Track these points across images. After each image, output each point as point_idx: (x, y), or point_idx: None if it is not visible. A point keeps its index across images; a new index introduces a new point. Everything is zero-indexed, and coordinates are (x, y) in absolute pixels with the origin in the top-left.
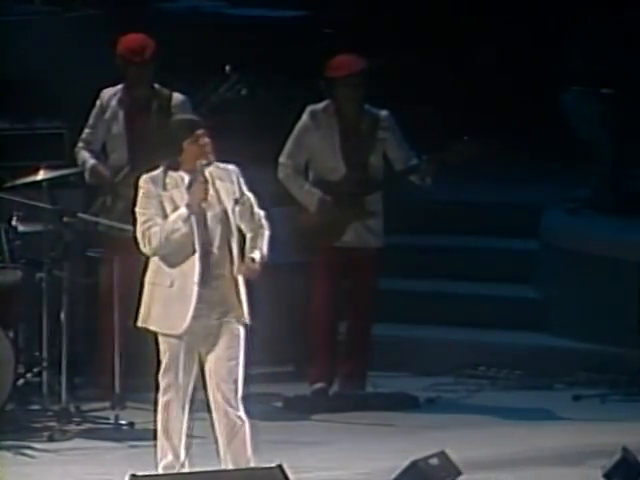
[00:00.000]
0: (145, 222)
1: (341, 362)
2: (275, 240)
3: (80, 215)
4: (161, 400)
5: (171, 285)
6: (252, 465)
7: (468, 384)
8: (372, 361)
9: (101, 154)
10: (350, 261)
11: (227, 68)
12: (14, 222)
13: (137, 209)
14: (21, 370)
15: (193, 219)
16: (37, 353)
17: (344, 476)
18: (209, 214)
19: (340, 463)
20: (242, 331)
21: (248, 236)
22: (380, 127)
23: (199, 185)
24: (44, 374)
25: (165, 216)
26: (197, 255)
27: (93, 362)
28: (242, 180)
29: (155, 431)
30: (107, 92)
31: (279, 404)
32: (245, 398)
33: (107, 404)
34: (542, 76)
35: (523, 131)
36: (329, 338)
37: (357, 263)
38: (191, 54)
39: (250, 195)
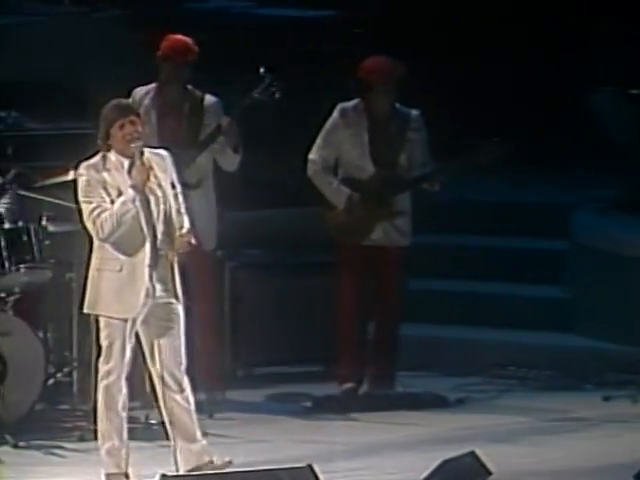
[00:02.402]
0: (94, 209)
1: (370, 362)
2: (304, 239)
3: None
4: (102, 384)
5: (120, 270)
6: (203, 444)
7: (497, 384)
8: (401, 361)
9: None
10: (377, 260)
11: (261, 70)
12: (44, 222)
13: (81, 197)
14: (51, 370)
15: (138, 202)
16: (67, 353)
17: (373, 476)
18: (151, 197)
19: (369, 463)
20: (181, 310)
21: (174, 216)
22: (410, 127)
23: (140, 167)
24: (74, 374)
25: (111, 201)
26: (146, 237)
27: None
28: (173, 166)
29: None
30: (139, 91)
31: (308, 404)
32: (274, 397)
33: (137, 403)
34: (572, 76)
35: (553, 131)
36: (358, 338)
37: (384, 262)
38: (219, 55)
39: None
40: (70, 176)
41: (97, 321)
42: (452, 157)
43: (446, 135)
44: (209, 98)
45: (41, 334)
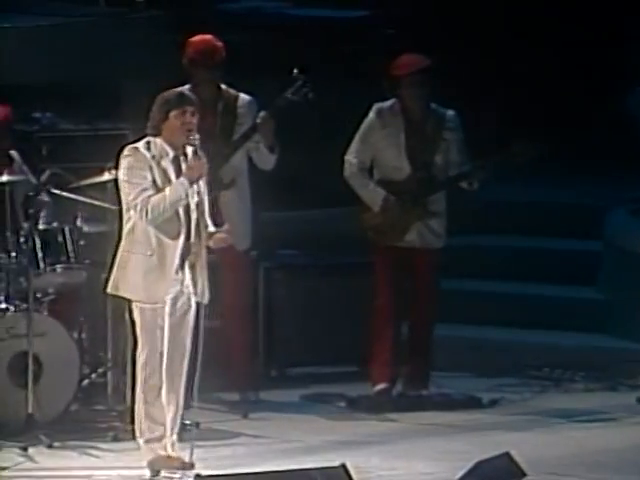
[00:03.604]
0: (143, 190)
1: (404, 362)
2: (338, 240)
3: None
4: (140, 375)
5: (152, 254)
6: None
7: (532, 385)
8: (435, 361)
9: None
10: (412, 261)
11: (294, 71)
12: (78, 223)
13: (127, 178)
14: (86, 370)
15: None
16: (102, 353)
17: (407, 476)
18: (189, 191)
19: (403, 463)
20: (194, 307)
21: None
22: (446, 127)
23: (198, 160)
24: (109, 374)
25: (155, 185)
26: (183, 226)
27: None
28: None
29: (220, 431)
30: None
31: (342, 404)
32: (308, 398)
33: None
34: (605, 76)
35: (588, 132)
36: (392, 338)
37: (419, 263)
38: (252, 55)
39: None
40: (105, 177)
41: (131, 314)
42: (489, 156)
43: (482, 135)
44: (243, 97)
45: (76, 335)
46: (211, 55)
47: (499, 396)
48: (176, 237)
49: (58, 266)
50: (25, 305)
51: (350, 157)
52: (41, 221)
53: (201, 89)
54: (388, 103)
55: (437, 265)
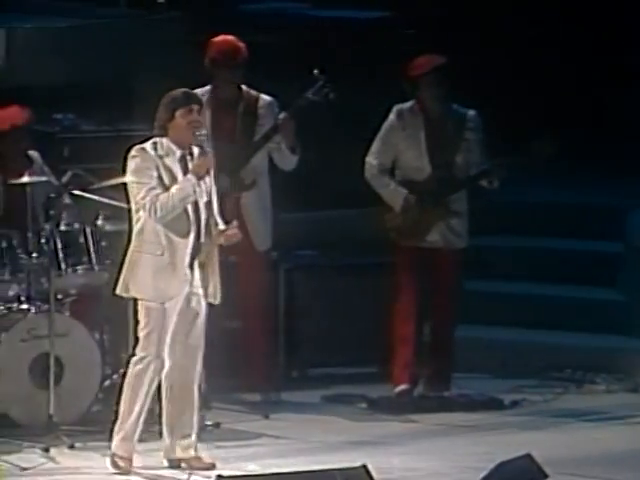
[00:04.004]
0: (151, 189)
1: (425, 363)
2: (361, 240)
3: None
4: (134, 368)
5: (162, 254)
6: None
7: (553, 386)
8: (457, 362)
9: None
10: (434, 262)
11: (315, 71)
12: (100, 223)
13: (135, 179)
14: (107, 371)
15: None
16: (123, 354)
17: (428, 477)
18: (197, 189)
19: (424, 464)
20: (205, 308)
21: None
22: (467, 127)
23: (204, 157)
24: None
25: (163, 184)
26: (192, 225)
27: None
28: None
29: (241, 431)
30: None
31: (363, 405)
32: (329, 398)
33: None
34: (628, 76)
35: (609, 132)
36: (412, 339)
37: (441, 264)
38: (275, 55)
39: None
40: (126, 178)
41: (136, 313)
42: (509, 155)
43: (500, 134)
44: (264, 98)
45: (97, 335)
46: (233, 55)
47: (520, 397)
48: (186, 236)
49: (79, 267)
50: (46, 306)
51: (371, 158)
52: (62, 222)
53: (222, 90)
54: (408, 104)
55: (459, 265)
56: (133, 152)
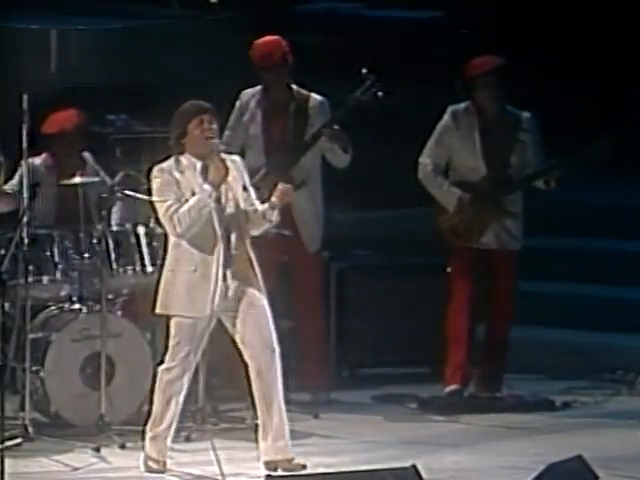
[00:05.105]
0: (171, 206)
1: (478, 364)
2: (414, 241)
3: None
4: (164, 378)
5: (195, 270)
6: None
7: (605, 388)
8: (508, 363)
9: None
10: (489, 263)
11: (363, 71)
12: (152, 224)
13: (156, 198)
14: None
15: (213, 201)
16: None
17: (478, 478)
18: (223, 199)
19: (474, 465)
20: (264, 299)
21: (252, 216)
22: (522, 129)
23: (218, 165)
24: None
25: (186, 201)
26: (220, 237)
27: (229, 362)
28: (245, 171)
29: (291, 431)
30: (246, 93)
31: (414, 405)
32: (380, 398)
33: (243, 404)
34: None
35: None
36: (465, 339)
37: (496, 265)
38: (328, 56)
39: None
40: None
41: (168, 322)
42: (565, 155)
43: (560, 135)
44: (315, 98)
45: (149, 336)
46: (270, 57)
47: (572, 399)
48: (212, 250)
49: (131, 267)
50: (98, 306)
51: (424, 159)
52: (114, 222)
53: (271, 90)
54: (463, 105)
55: (514, 267)
56: (154, 172)
